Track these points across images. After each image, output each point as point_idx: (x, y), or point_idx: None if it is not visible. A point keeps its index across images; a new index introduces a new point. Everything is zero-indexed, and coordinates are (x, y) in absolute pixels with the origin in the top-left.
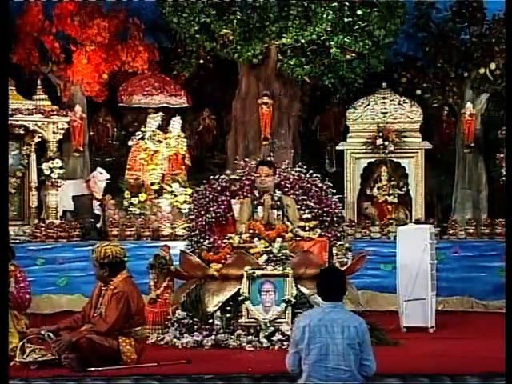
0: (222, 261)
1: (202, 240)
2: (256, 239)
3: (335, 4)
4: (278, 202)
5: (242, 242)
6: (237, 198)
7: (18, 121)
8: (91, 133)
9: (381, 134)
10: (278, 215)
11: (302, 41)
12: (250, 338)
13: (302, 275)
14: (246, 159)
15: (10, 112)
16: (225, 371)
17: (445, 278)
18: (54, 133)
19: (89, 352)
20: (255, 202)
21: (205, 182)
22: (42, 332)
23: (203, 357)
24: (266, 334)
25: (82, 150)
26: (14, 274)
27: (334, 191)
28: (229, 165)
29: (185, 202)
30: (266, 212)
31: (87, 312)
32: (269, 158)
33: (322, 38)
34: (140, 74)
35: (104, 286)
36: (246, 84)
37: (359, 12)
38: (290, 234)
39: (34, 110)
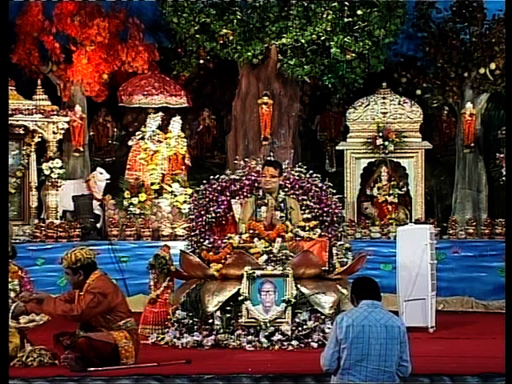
0: (222, 261)
1: (202, 240)
2: (256, 239)
3: (335, 4)
4: (282, 204)
5: (242, 242)
6: (237, 197)
7: (18, 121)
8: (91, 133)
9: (381, 133)
10: (280, 217)
11: (302, 41)
12: (250, 337)
13: (302, 275)
14: (246, 159)
15: (10, 112)
16: (225, 371)
17: (445, 278)
18: (54, 133)
19: (88, 351)
20: (258, 202)
21: (205, 182)
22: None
23: (203, 357)
24: (266, 334)
25: (82, 149)
26: (19, 275)
27: (334, 191)
28: (229, 165)
29: (185, 201)
30: (269, 213)
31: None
32: (269, 158)
33: (322, 38)
34: (140, 74)
35: (80, 291)
36: (246, 84)
37: (359, 12)
38: (289, 234)
39: (34, 110)
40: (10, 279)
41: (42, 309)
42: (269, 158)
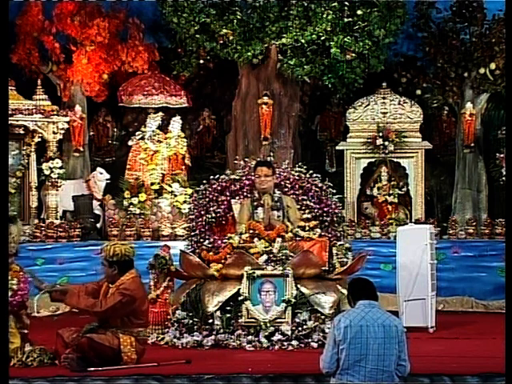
0: (222, 261)
1: (202, 240)
2: (256, 239)
3: (335, 4)
4: (278, 203)
5: (241, 242)
6: (237, 198)
7: (18, 121)
8: (91, 133)
9: (381, 134)
10: (278, 216)
11: (302, 41)
12: (250, 337)
13: (302, 275)
14: (246, 159)
15: (10, 112)
16: (225, 371)
17: (445, 278)
18: (54, 133)
19: (89, 352)
20: (255, 204)
21: (205, 182)
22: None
23: (203, 357)
24: (266, 334)
25: (82, 149)
26: (18, 274)
27: (334, 191)
28: (229, 165)
29: (185, 201)
30: (266, 213)
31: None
32: (268, 158)
33: (322, 38)
34: (140, 74)
35: (111, 284)
36: (246, 84)
37: (359, 12)
38: (289, 234)
39: (33, 110)
40: (9, 277)
41: (64, 301)
42: (263, 158)
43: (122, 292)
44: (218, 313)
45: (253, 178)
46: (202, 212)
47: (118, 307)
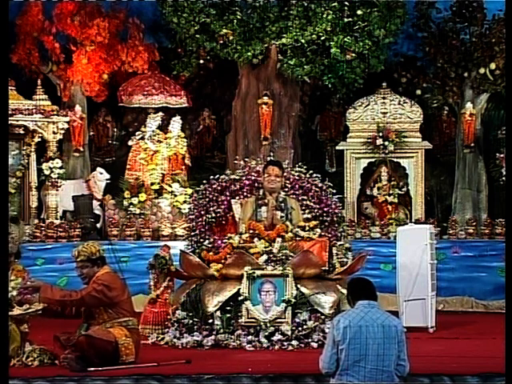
0: (222, 261)
1: (202, 240)
2: (256, 239)
3: (335, 4)
4: (283, 204)
5: (241, 241)
6: (237, 197)
7: (18, 121)
8: (91, 133)
9: (381, 134)
10: (281, 217)
11: (302, 41)
12: (250, 337)
13: (302, 275)
14: (246, 159)
15: (10, 112)
16: (225, 371)
17: (445, 278)
18: (54, 133)
19: (89, 350)
20: (259, 202)
21: (205, 182)
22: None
23: (203, 357)
24: (266, 334)
25: (82, 149)
26: (23, 274)
27: (334, 191)
28: (229, 165)
29: (185, 201)
30: (269, 213)
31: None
32: (268, 158)
33: (322, 38)
34: (140, 74)
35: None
36: (246, 84)
37: (359, 12)
38: (290, 234)
39: (34, 110)
40: (13, 277)
41: (39, 297)
42: (271, 158)
43: (97, 282)
44: (218, 313)
45: (253, 177)
46: (202, 212)
47: (95, 295)
